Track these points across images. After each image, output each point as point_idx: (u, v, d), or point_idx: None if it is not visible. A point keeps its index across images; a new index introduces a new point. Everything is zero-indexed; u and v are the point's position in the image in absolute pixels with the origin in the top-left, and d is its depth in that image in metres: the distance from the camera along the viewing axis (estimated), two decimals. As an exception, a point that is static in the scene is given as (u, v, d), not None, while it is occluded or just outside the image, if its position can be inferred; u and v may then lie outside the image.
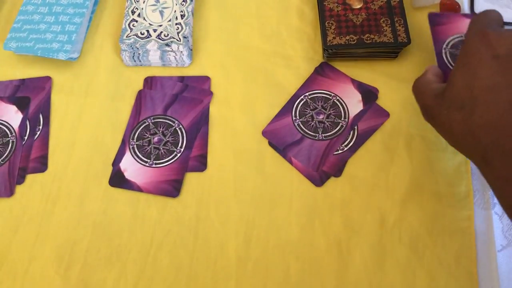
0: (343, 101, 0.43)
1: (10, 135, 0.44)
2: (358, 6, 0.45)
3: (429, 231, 0.38)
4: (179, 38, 0.45)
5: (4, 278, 0.38)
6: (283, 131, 0.42)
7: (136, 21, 0.46)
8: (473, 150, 0.30)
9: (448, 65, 0.39)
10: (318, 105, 0.43)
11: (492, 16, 0.33)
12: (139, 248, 0.39)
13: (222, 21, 0.49)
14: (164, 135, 0.43)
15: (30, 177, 0.42)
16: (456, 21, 0.41)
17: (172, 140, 0.43)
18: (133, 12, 0.47)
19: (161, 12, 0.46)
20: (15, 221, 0.40)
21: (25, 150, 0.43)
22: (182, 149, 0.42)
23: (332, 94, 0.43)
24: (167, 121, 0.43)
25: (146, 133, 0.43)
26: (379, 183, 0.40)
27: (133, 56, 0.45)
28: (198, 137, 0.43)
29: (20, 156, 0.43)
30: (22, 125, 0.44)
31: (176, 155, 0.42)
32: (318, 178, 0.40)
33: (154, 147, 0.42)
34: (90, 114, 0.45)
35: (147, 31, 0.45)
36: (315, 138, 0.42)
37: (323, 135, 0.42)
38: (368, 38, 0.43)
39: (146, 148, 0.42)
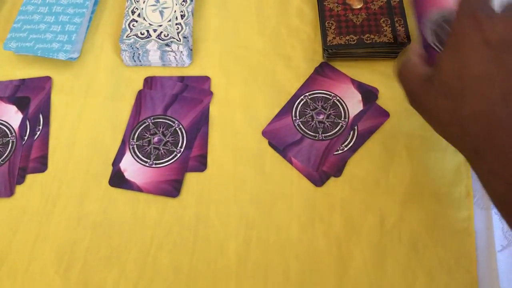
0: (343, 101, 0.43)
1: (10, 135, 0.44)
2: (358, 6, 0.45)
3: (429, 231, 0.38)
4: (179, 38, 0.45)
5: (4, 278, 0.38)
6: (283, 131, 0.42)
7: (136, 21, 0.46)
8: (460, 140, 0.30)
9: (433, 46, 0.36)
10: (318, 105, 0.43)
11: None
12: (139, 248, 0.39)
13: (222, 21, 0.49)
14: (164, 135, 0.43)
15: (30, 177, 0.42)
16: None
17: (172, 140, 0.43)
18: (133, 12, 0.47)
19: (161, 12, 0.46)
20: (15, 221, 0.40)
21: (25, 150, 0.43)
22: (182, 149, 0.42)
23: (332, 94, 0.43)
24: (167, 121, 0.43)
25: (146, 133, 0.43)
26: (379, 183, 0.40)
27: (133, 56, 0.45)
28: (198, 137, 0.43)
29: (20, 156, 0.43)
30: (22, 125, 0.44)
31: (176, 155, 0.42)
32: (318, 178, 0.40)
33: (154, 147, 0.42)
34: (90, 114, 0.45)
35: (147, 31, 0.45)
36: (315, 138, 0.42)
37: (323, 135, 0.42)
38: (368, 38, 0.43)
39: (146, 148, 0.42)
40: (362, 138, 0.41)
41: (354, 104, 0.43)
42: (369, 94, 0.43)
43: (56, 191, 0.41)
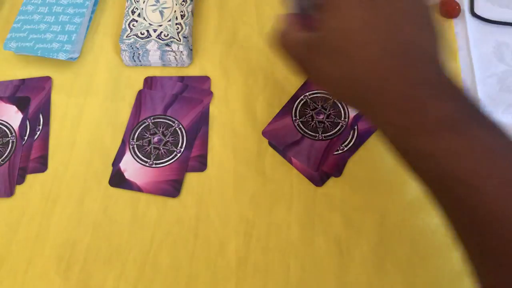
0: (343, 101, 0.43)
1: (10, 135, 0.44)
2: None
3: (429, 231, 0.38)
4: (179, 38, 0.45)
5: (4, 278, 0.38)
6: (283, 131, 0.42)
7: (136, 21, 0.46)
8: (354, 96, 0.29)
9: (308, 12, 0.34)
10: (318, 105, 0.43)
11: None
12: (139, 248, 0.39)
13: (222, 21, 0.49)
14: (164, 135, 0.43)
15: (30, 177, 0.42)
16: None
17: (172, 140, 0.43)
18: (133, 12, 0.47)
19: (161, 12, 0.46)
20: (15, 221, 0.40)
21: (25, 150, 0.43)
22: (182, 149, 0.42)
23: (332, 94, 0.43)
24: (167, 121, 0.43)
25: (146, 133, 0.43)
26: (379, 183, 0.40)
27: (133, 56, 0.45)
28: (198, 137, 0.43)
29: (20, 156, 0.43)
30: (22, 125, 0.44)
31: (176, 155, 0.42)
32: (318, 178, 0.40)
33: (154, 147, 0.42)
34: (90, 114, 0.45)
35: (147, 31, 0.45)
36: (315, 138, 0.42)
37: (323, 135, 0.42)
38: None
39: (146, 148, 0.42)
40: (362, 138, 0.41)
41: (354, 104, 0.43)
42: (369, 94, 0.43)
43: (56, 191, 0.41)
